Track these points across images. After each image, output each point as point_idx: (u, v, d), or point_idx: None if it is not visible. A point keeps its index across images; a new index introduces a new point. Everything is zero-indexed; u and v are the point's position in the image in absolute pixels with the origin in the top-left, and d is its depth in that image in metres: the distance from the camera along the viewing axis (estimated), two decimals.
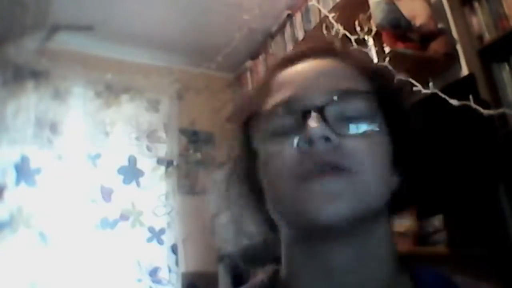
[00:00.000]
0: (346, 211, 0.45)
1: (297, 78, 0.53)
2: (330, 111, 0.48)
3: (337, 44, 0.59)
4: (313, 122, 0.47)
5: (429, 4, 2.15)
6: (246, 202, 0.58)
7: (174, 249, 2.97)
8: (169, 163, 3.14)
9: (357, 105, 0.50)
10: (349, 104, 0.50)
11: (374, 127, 0.50)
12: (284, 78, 0.55)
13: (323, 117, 0.48)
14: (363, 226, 0.48)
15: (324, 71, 0.54)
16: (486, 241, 1.68)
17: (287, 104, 0.51)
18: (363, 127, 0.49)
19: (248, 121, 0.55)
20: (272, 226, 0.55)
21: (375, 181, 0.48)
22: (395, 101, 0.55)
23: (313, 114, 0.48)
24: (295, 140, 0.48)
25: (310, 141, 0.47)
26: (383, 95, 0.53)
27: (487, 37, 1.95)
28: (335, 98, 0.49)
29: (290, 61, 0.57)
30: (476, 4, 2.02)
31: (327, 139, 0.47)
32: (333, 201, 0.45)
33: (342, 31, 2.29)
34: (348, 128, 0.49)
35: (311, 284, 0.51)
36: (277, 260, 0.58)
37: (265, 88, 0.56)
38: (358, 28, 2.23)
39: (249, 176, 0.56)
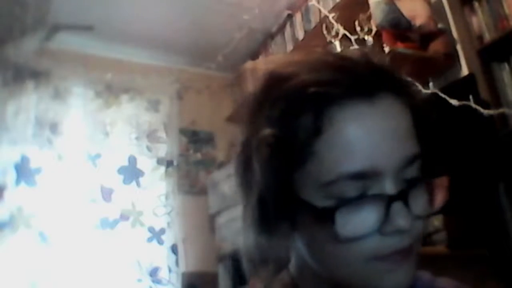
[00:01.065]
0: (407, 286, 0.49)
1: (378, 141, 0.46)
2: (410, 195, 0.47)
3: (397, 71, 0.51)
4: (400, 213, 0.46)
5: (429, 4, 2.15)
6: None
7: (174, 249, 2.97)
8: (169, 163, 3.14)
9: (417, 171, 0.50)
10: (414, 169, 0.49)
11: (429, 203, 0.50)
12: (362, 132, 0.46)
13: (406, 204, 0.46)
14: None
15: (401, 129, 0.49)
16: (486, 241, 1.68)
17: (368, 178, 0.47)
18: (428, 208, 0.50)
19: (295, 155, 0.48)
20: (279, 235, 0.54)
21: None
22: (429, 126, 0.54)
23: (399, 203, 0.46)
24: (379, 225, 0.47)
25: (395, 231, 0.46)
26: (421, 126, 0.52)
27: (487, 37, 1.95)
28: (410, 174, 0.48)
29: (354, 93, 0.47)
30: (476, 4, 2.02)
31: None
32: (402, 283, 0.49)
33: (342, 31, 2.29)
34: (421, 212, 0.49)
35: None
36: (279, 260, 0.58)
37: (321, 121, 0.47)
38: (358, 28, 2.23)
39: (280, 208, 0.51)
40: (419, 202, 0.48)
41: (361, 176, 0.46)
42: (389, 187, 0.47)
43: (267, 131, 0.49)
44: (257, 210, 0.52)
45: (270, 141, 0.49)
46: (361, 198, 0.46)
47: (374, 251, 0.47)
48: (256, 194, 0.51)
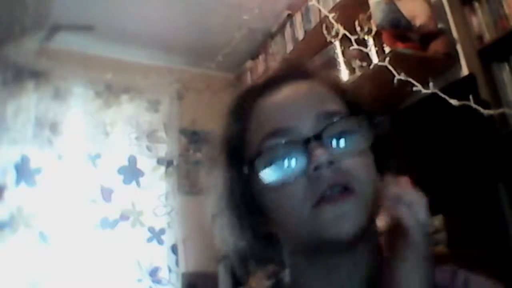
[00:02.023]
0: (356, 228, 0.52)
1: (286, 105, 0.57)
2: (326, 136, 0.53)
3: (307, 64, 0.66)
4: (316, 150, 0.52)
5: (429, 4, 2.15)
6: (239, 217, 0.61)
7: (174, 249, 2.97)
8: (169, 163, 3.14)
9: (343, 125, 0.55)
10: (337, 124, 0.55)
11: (362, 142, 0.55)
12: (271, 105, 0.58)
13: (322, 143, 0.53)
14: (363, 236, 0.54)
15: (309, 96, 0.58)
16: (486, 241, 1.68)
17: (285, 133, 0.55)
18: (355, 145, 0.54)
19: (236, 150, 0.60)
20: (266, 234, 0.60)
21: (372, 194, 0.54)
22: (366, 115, 0.59)
23: (314, 142, 0.53)
24: (303, 168, 0.53)
25: (316, 168, 0.52)
26: (355, 111, 0.59)
27: (487, 37, 1.95)
28: (327, 122, 0.54)
29: (268, 87, 0.60)
30: (476, 4, 2.02)
31: (330, 162, 0.52)
32: (345, 221, 0.51)
33: (342, 31, 2.29)
34: (344, 148, 0.54)
35: None
36: (276, 260, 0.59)
37: (247, 116, 0.60)
38: (358, 28, 2.23)
39: (244, 199, 0.59)
40: (345, 143, 0.54)
41: (278, 133, 0.55)
42: (306, 133, 0.54)
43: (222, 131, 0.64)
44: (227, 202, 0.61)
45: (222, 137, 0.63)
46: (282, 148, 0.54)
47: (304, 192, 0.52)
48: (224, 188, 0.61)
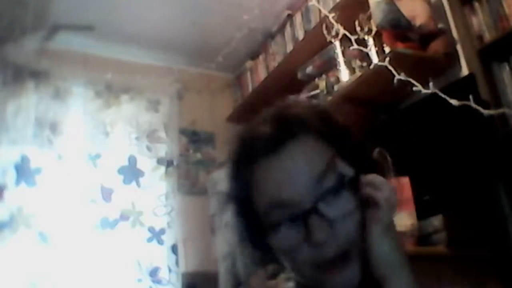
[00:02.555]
0: (356, 283, 0.58)
1: (281, 177, 0.60)
2: (321, 204, 0.57)
3: (292, 116, 0.65)
4: (314, 225, 0.56)
5: (429, 4, 2.15)
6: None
7: (174, 249, 2.97)
8: (169, 163, 3.14)
9: (334, 188, 0.58)
10: (329, 190, 0.58)
11: (352, 199, 0.59)
12: (269, 176, 0.61)
13: (319, 214, 0.57)
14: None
15: (300, 162, 0.60)
16: (486, 241, 1.68)
17: (284, 206, 0.59)
18: (349, 204, 0.58)
19: (244, 204, 0.64)
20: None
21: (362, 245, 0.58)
22: (352, 143, 0.64)
23: (312, 214, 0.57)
24: (305, 238, 0.57)
25: (316, 243, 0.56)
26: (342, 143, 0.63)
27: (487, 37, 1.95)
28: (320, 187, 0.58)
29: (265, 149, 0.62)
30: (476, 4, 2.02)
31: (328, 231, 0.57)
32: (347, 286, 0.58)
33: (342, 31, 2.29)
34: (340, 211, 0.58)
35: None
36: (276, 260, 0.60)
37: (250, 179, 0.63)
38: (358, 28, 2.23)
39: (255, 239, 0.65)
40: (339, 205, 0.58)
41: (278, 205, 0.59)
42: (303, 204, 0.57)
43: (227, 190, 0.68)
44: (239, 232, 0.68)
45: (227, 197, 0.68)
46: (285, 220, 0.58)
47: (309, 260, 0.57)
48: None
